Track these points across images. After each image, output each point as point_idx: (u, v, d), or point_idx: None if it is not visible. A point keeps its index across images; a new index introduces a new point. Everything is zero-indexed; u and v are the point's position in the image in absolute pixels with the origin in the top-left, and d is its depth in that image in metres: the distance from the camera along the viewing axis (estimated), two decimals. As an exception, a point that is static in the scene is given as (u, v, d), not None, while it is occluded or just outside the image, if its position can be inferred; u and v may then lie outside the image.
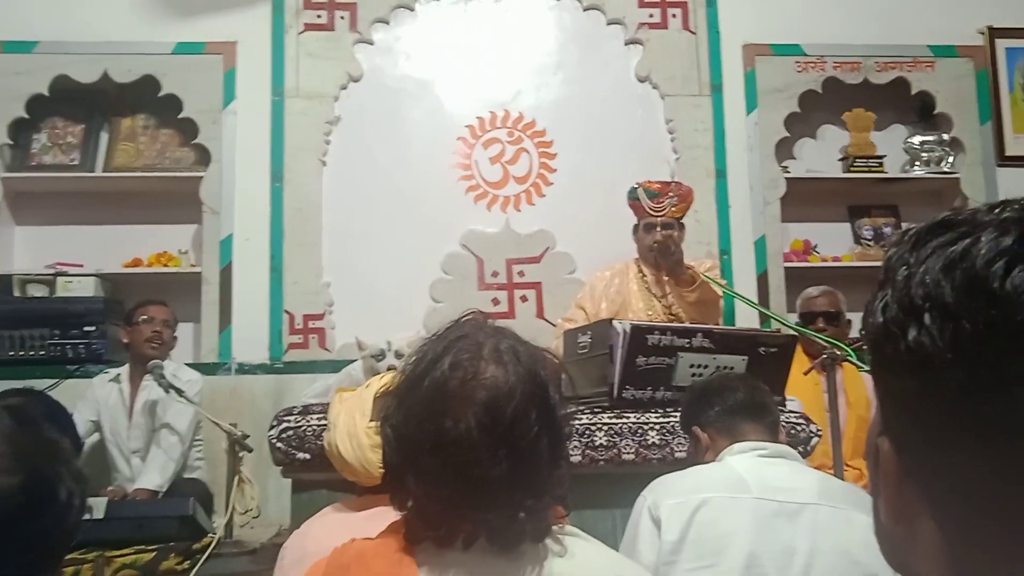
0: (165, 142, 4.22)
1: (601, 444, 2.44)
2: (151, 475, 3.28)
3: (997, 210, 0.47)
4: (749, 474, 1.59)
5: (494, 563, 1.02)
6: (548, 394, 1.03)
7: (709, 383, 1.89)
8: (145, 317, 3.48)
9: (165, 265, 4.07)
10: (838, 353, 2.49)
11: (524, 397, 1.00)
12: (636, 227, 3.40)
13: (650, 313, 3.28)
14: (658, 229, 3.28)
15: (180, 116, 4.10)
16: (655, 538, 1.53)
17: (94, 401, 3.51)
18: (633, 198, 3.36)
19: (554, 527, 1.08)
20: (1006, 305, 0.43)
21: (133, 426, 3.46)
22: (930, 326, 0.45)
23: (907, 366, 0.46)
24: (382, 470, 1.13)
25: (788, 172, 4.30)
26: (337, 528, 1.37)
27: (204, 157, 4.10)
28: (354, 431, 1.66)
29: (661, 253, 3.26)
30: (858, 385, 3.39)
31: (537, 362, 1.05)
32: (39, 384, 3.55)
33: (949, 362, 0.44)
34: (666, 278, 3.35)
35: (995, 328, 0.43)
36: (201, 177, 4.05)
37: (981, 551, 0.46)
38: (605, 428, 2.46)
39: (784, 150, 4.37)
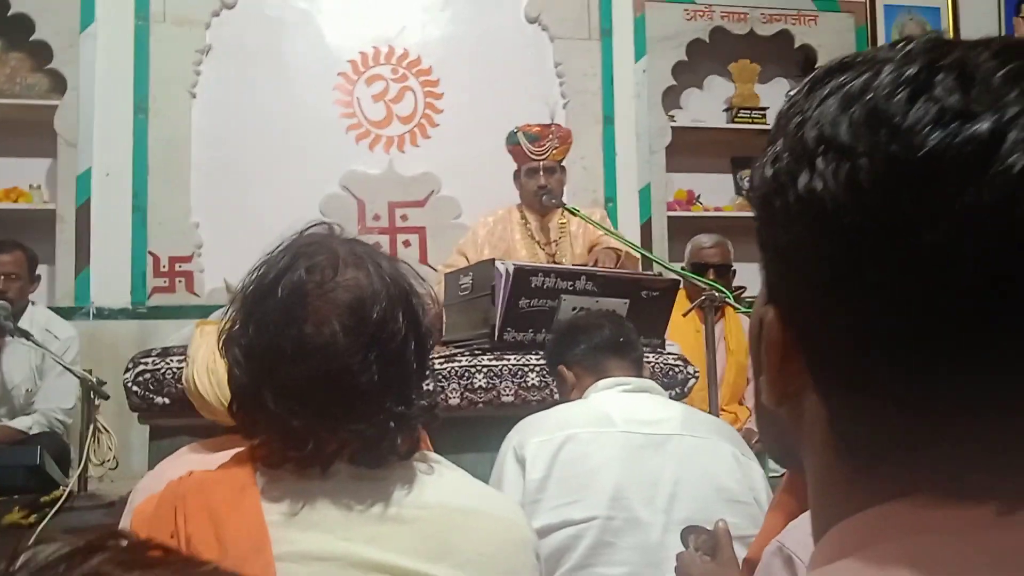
0: (15, 67, 3.87)
1: (480, 386, 2.38)
2: (24, 419, 3.16)
3: (899, 45, 0.43)
4: (614, 409, 1.59)
5: (359, 487, 0.95)
6: (411, 297, 0.99)
7: (575, 321, 1.89)
8: None
9: (15, 201, 3.76)
10: (717, 296, 2.50)
11: (389, 299, 0.95)
12: (517, 173, 3.31)
13: (534, 260, 3.21)
14: (541, 174, 3.21)
15: (32, 39, 3.76)
16: (519, 478, 1.52)
17: None
18: (513, 143, 3.25)
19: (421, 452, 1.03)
20: (909, 137, 0.38)
21: None
22: (824, 169, 0.40)
23: (798, 217, 0.41)
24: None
25: (674, 121, 4.31)
26: (193, 468, 1.28)
27: (59, 84, 3.78)
28: (213, 366, 1.56)
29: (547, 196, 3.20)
30: (739, 333, 3.45)
31: (396, 267, 1.01)
32: None
33: (844, 205, 0.39)
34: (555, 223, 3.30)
35: (896, 164, 0.39)
36: (56, 106, 3.74)
37: (863, 426, 0.41)
38: (485, 370, 2.40)
39: (671, 99, 4.36)
